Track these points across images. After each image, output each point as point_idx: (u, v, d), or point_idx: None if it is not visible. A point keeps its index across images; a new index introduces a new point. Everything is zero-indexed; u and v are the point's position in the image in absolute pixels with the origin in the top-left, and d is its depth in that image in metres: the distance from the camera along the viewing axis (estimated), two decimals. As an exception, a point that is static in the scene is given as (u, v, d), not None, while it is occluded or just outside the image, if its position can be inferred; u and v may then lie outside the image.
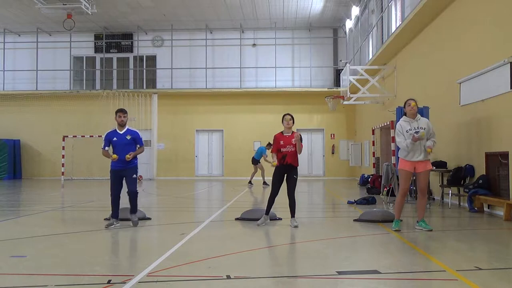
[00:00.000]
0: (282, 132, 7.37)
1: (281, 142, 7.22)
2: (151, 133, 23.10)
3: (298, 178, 7.29)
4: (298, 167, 7.33)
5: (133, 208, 7.23)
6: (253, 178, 17.80)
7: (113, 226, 6.98)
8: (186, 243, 5.88)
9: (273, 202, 7.33)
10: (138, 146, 7.21)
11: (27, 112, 23.53)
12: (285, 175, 7.25)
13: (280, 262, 5.16)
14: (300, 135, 7.27)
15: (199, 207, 11.47)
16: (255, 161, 17.40)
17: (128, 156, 6.95)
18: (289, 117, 7.35)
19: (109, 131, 7.28)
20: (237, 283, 4.06)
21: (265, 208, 7.40)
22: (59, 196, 14.06)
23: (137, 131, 7.35)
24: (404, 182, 6.73)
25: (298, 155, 7.27)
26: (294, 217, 7.26)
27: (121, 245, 6.14)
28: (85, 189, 16.33)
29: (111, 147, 7.18)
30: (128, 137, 7.11)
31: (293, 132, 7.33)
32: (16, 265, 4.71)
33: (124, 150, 7.03)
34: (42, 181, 21.29)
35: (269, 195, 7.35)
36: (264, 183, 16.95)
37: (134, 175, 7.17)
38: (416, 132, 6.61)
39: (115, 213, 7.10)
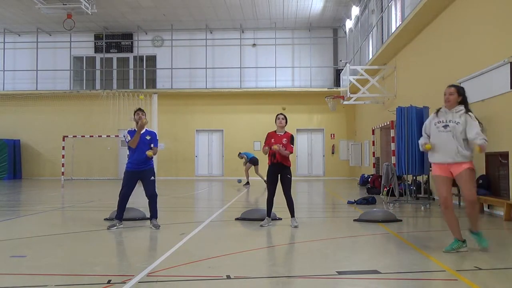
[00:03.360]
0: (275, 131, 7.41)
1: (272, 140, 7.24)
2: (151, 133, 23.06)
3: (295, 178, 7.31)
4: (291, 167, 7.32)
5: (154, 213, 7.09)
6: (249, 178, 17.69)
7: (115, 227, 6.92)
8: (186, 243, 5.88)
9: (272, 203, 7.32)
10: (152, 145, 7.12)
11: (27, 112, 23.53)
12: (279, 175, 7.24)
13: (280, 262, 5.15)
14: (292, 136, 7.32)
15: (199, 207, 11.47)
16: (256, 161, 17.07)
17: (150, 153, 6.90)
18: (282, 116, 7.43)
19: (130, 129, 7.26)
20: (237, 283, 4.07)
21: (266, 211, 7.38)
22: (59, 196, 14.06)
23: (155, 132, 7.34)
24: (439, 189, 5.30)
25: (287, 156, 7.23)
26: (294, 217, 7.26)
27: (121, 245, 6.13)
28: (85, 189, 16.33)
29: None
30: (148, 138, 7.09)
31: (286, 132, 7.37)
32: (16, 265, 4.71)
33: (142, 149, 7.00)
34: (42, 181, 21.28)
35: (266, 197, 7.36)
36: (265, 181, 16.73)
37: (152, 177, 7.09)
38: (445, 126, 5.14)
39: (120, 214, 7.03)
